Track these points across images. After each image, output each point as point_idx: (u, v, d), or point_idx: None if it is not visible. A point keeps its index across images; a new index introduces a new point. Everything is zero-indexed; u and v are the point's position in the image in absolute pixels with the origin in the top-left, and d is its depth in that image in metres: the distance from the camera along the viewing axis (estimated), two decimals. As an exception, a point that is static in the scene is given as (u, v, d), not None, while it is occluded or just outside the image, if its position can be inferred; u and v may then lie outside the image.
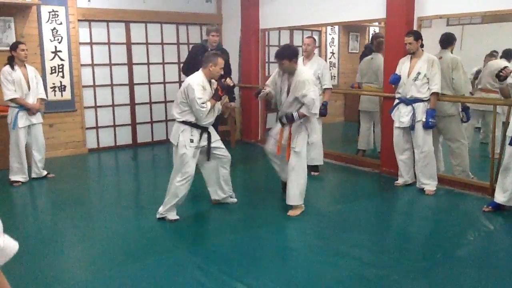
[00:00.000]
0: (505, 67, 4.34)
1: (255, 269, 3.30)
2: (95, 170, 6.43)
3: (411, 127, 4.94)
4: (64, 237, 3.99)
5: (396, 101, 5.10)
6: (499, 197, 4.34)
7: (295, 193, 4.29)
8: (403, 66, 5.00)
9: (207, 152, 4.25)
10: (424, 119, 4.82)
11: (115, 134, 7.35)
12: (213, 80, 4.21)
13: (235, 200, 4.63)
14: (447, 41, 5.22)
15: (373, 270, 3.26)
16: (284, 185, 4.61)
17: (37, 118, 5.45)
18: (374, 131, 6.57)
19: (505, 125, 4.50)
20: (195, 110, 4.02)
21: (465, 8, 4.88)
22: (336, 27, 9.25)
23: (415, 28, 5.21)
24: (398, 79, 5.01)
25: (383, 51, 5.91)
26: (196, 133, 4.14)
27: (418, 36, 4.87)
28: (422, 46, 4.92)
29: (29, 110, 5.32)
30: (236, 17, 7.68)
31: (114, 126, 7.33)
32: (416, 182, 5.12)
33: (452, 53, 5.24)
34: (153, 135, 7.73)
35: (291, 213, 4.29)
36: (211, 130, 4.29)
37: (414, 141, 5.00)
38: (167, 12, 7.45)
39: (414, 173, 5.18)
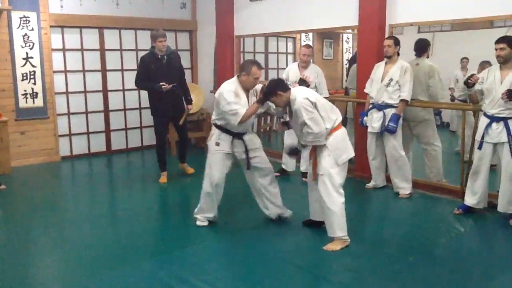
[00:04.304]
0: (473, 74, 4.45)
1: (230, 275, 3.31)
2: (68, 178, 6.32)
3: (381, 132, 5.03)
4: (35, 247, 3.91)
5: (370, 106, 5.19)
6: (469, 200, 4.45)
7: (330, 223, 3.71)
8: (378, 71, 5.07)
9: (246, 161, 4.03)
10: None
11: (88, 142, 7.25)
12: (257, 88, 3.94)
13: (286, 215, 4.29)
14: (421, 48, 5.28)
15: (346, 273, 3.31)
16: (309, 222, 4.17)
17: None
18: None
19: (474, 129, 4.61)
20: (227, 117, 3.83)
21: (434, 16, 5.00)
22: (310, 34, 9.34)
23: (386, 35, 5.32)
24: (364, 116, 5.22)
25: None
26: (225, 138, 3.98)
27: (397, 42, 4.91)
28: (398, 54, 4.96)
29: None
30: (211, 23, 7.68)
31: (88, 133, 7.23)
32: (387, 186, 5.23)
33: (428, 57, 5.29)
34: (127, 142, 7.64)
35: (326, 247, 3.70)
36: (250, 137, 4.08)
37: (385, 145, 5.08)
38: (141, 18, 7.40)
39: (387, 177, 5.28)
